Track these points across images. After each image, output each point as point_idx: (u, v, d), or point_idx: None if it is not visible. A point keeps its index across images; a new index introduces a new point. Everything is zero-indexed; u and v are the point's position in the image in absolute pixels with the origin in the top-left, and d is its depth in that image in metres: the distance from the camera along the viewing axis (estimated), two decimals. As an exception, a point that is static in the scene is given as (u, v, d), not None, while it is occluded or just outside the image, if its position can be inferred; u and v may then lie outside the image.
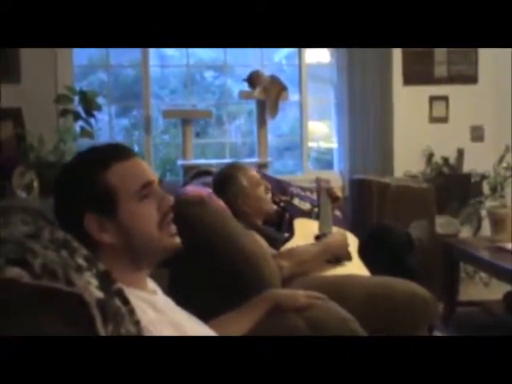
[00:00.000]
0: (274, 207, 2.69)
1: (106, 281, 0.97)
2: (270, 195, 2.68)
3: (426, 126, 4.56)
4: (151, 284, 1.40)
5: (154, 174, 1.33)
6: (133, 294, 1.19)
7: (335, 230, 2.68)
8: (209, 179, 3.03)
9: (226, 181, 2.64)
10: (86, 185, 1.27)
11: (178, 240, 1.33)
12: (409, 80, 4.50)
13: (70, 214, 1.27)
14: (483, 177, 4.28)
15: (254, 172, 2.69)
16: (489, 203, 4.05)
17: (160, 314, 1.25)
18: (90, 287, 0.91)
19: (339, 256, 2.46)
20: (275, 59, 5.20)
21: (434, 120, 4.57)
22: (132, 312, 1.03)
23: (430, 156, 4.46)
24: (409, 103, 4.49)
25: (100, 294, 0.92)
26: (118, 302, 0.97)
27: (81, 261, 0.97)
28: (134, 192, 1.27)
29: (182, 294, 1.51)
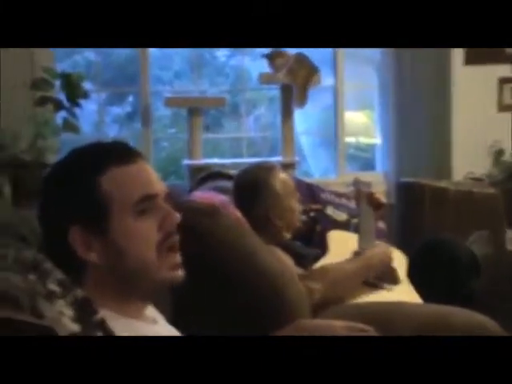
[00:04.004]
0: (300, 223, 2.66)
1: (85, 310, 0.97)
2: (300, 208, 2.66)
3: (494, 115, 4.51)
4: (151, 311, 1.41)
5: (160, 186, 1.34)
6: (123, 324, 1.22)
7: (378, 245, 2.66)
8: (222, 183, 3.03)
9: (254, 185, 2.60)
10: (76, 190, 1.28)
11: (179, 273, 1.33)
12: (472, 58, 4.46)
13: (55, 224, 1.29)
14: None
15: (287, 176, 2.66)
16: None
17: None
18: (63, 319, 0.92)
19: (382, 275, 2.44)
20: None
21: (503, 108, 4.53)
22: None
23: (499, 153, 4.42)
24: (472, 87, 4.45)
25: (75, 327, 0.92)
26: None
27: (53, 286, 0.97)
28: (131, 205, 1.27)
29: (190, 324, 1.51)
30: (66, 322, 0.92)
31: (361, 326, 1.72)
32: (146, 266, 1.28)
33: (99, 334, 0.97)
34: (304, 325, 1.71)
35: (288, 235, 2.60)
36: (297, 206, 2.62)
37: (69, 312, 0.94)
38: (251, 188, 2.60)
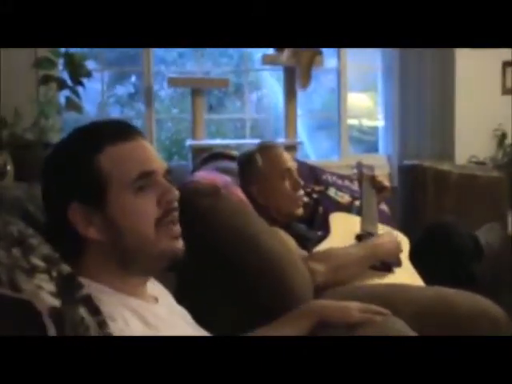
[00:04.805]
0: (301, 212, 2.62)
1: (68, 286, 0.98)
2: (299, 194, 2.60)
3: (498, 98, 4.50)
4: (155, 288, 1.44)
5: (159, 163, 1.35)
6: (120, 301, 1.25)
7: (382, 228, 2.64)
8: (225, 164, 3.01)
9: (243, 162, 2.64)
10: (75, 168, 1.30)
11: (180, 244, 1.34)
12: (476, 41, 4.43)
13: (56, 202, 1.31)
14: None
15: (282, 157, 2.62)
16: None
17: (149, 327, 1.27)
18: (42, 293, 0.92)
19: (388, 262, 2.41)
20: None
21: (507, 91, 4.51)
22: (103, 324, 1.04)
23: (502, 137, 4.40)
24: (476, 70, 4.42)
25: (55, 302, 0.93)
26: (82, 312, 0.98)
27: (36, 261, 0.99)
28: (129, 181, 1.28)
29: (192, 306, 1.52)
30: (45, 296, 0.92)
31: (376, 308, 1.70)
32: (144, 241, 1.29)
33: (82, 309, 0.98)
34: (316, 306, 1.72)
35: (280, 218, 2.56)
36: (288, 191, 2.57)
37: (49, 286, 0.95)
38: (240, 164, 2.66)
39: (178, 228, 1.34)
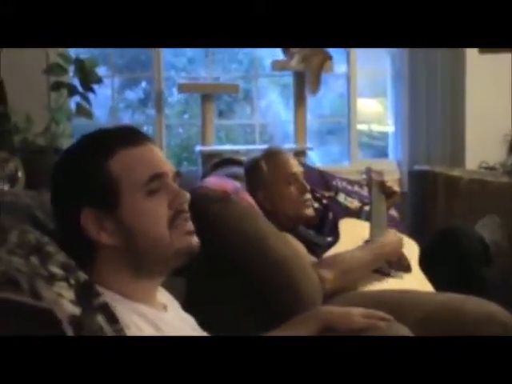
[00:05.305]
0: (311, 213, 2.62)
1: (86, 293, 0.98)
2: (306, 197, 2.61)
3: (508, 103, 4.47)
4: (164, 296, 1.44)
5: (168, 166, 1.36)
6: (131, 308, 1.26)
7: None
8: (234, 170, 3.02)
9: (249, 168, 2.65)
10: (86, 173, 1.31)
11: (194, 240, 1.34)
12: (486, 46, 4.43)
13: (67, 208, 1.32)
14: None
15: (288, 162, 2.64)
16: None
17: (160, 334, 1.26)
18: (62, 301, 0.92)
19: (393, 263, 2.42)
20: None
21: (518, 97, 4.49)
22: (120, 332, 1.04)
23: (513, 143, 4.38)
24: (486, 75, 4.40)
25: (75, 310, 0.93)
26: (100, 320, 0.98)
27: (54, 269, 0.98)
28: (140, 185, 1.29)
29: (201, 311, 1.52)
30: (65, 304, 0.93)
31: (380, 313, 1.70)
32: (158, 242, 1.30)
33: (100, 317, 0.98)
34: (321, 312, 1.72)
35: (289, 222, 2.57)
36: (293, 195, 2.58)
37: (69, 294, 0.95)
38: (246, 170, 2.68)
39: (190, 224, 1.35)
